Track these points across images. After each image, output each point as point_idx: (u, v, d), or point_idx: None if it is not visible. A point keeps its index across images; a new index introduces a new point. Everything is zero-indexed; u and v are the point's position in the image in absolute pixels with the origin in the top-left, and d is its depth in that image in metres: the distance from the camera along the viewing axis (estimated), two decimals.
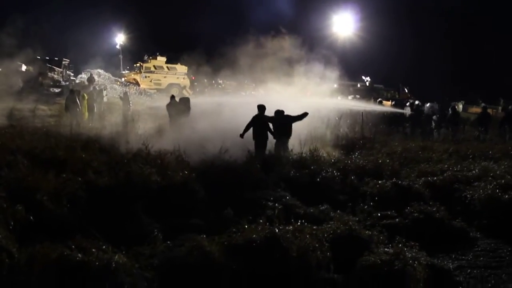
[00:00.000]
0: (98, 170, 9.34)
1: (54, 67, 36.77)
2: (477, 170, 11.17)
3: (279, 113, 13.64)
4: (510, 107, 23.26)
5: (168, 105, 18.44)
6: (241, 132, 13.26)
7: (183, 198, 8.73)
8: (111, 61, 50.38)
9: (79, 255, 5.47)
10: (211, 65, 37.16)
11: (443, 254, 7.65)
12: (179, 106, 18.10)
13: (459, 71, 60.14)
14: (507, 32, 60.57)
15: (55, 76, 36.36)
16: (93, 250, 5.65)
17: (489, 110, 26.41)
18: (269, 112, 13.76)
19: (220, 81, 43.73)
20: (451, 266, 7.25)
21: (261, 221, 7.17)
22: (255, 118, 13.33)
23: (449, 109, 22.57)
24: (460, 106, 38.44)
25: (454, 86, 51.30)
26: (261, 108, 13.46)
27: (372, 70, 55.27)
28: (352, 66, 52.86)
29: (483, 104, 26.75)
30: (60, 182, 8.15)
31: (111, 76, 38.27)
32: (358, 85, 51.41)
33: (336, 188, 10.31)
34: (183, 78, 41.88)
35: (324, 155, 12.63)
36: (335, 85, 47.23)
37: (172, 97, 19.16)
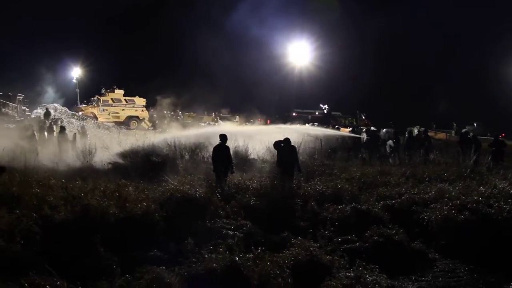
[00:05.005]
0: (54, 205, 9.12)
1: (8, 103, 35.91)
2: (433, 192, 11.38)
3: (287, 141, 13.53)
4: (463, 130, 23.92)
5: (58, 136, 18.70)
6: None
7: (142, 230, 8.57)
8: (68, 95, 49.73)
9: None
10: (171, 97, 37.36)
11: (403, 276, 7.72)
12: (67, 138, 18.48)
13: (412, 97, 62.12)
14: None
15: (10, 111, 35.47)
16: (47, 287, 5.47)
17: (442, 134, 27.23)
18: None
19: (180, 113, 43.72)
20: None
21: (221, 250, 7.12)
22: (216, 148, 13.16)
23: (406, 134, 23.13)
24: (415, 131, 39.41)
25: (408, 112, 52.60)
26: (223, 137, 13.24)
27: (329, 98, 56.23)
28: (309, 94, 53.92)
29: (422, 128, 27.52)
30: (14, 218, 7.93)
31: (67, 110, 37.58)
32: (316, 113, 52.21)
33: (297, 214, 10.34)
34: (142, 111, 41.59)
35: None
36: (294, 114, 48.09)
37: (62, 128, 19.17)
